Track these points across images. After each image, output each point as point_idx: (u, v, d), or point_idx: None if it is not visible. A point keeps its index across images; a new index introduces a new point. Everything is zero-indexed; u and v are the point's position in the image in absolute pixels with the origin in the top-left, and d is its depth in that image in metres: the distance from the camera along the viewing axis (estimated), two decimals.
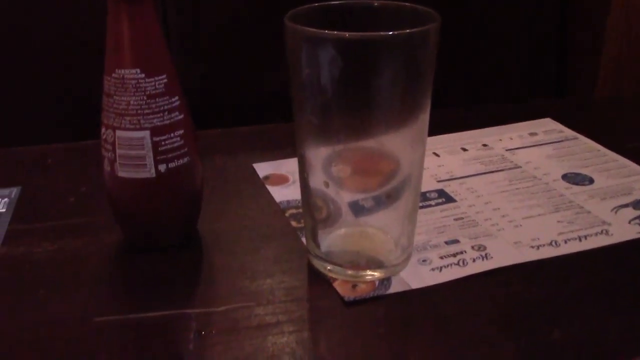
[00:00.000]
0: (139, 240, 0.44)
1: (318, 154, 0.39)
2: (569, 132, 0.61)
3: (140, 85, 0.39)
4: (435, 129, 0.61)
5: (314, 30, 0.35)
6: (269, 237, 0.45)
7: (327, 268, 0.41)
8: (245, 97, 0.75)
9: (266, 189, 0.51)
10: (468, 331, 0.36)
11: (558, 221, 0.46)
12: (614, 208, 0.48)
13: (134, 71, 0.39)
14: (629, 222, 0.46)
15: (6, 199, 0.50)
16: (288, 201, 0.49)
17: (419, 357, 0.35)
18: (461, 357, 0.35)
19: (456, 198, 0.49)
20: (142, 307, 0.38)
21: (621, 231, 0.45)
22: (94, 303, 0.39)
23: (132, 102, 0.39)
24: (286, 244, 0.44)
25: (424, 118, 0.39)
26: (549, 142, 0.59)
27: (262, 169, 0.54)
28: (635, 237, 0.44)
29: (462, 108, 0.70)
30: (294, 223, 0.46)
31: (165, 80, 0.40)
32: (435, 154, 0.57)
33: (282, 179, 0.52)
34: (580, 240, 0.44)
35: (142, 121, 0.40)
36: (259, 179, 0.52)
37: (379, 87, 0.36)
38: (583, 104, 0.76)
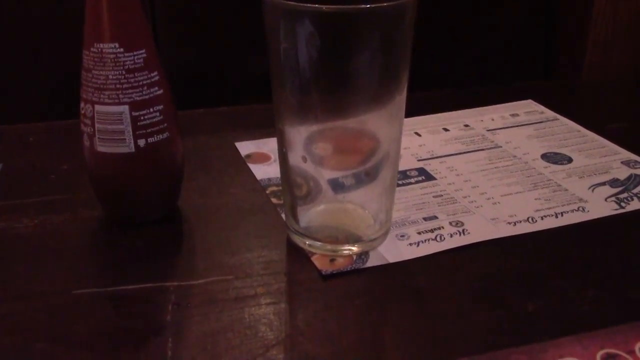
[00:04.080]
0: (119, 215, 0.44)
1: (296, 130, 0.39)
2: (549, 113, 0.61)
3: (119, 59, 0.39)
4: (419, 109, 0.62)
5: (291, 3, 0.35)
6: (249, 213, 0.45)
7: (306, 243, 0.41)
8: (232, 80, 0.75)
9: (247, 167, 0.51)
10: (444, 303, 0.37)
11: (535, 198, 0.47)
12: (591, 186, 0.48)
13: (112, 45, 0.39)
14: (605, 200, 0.46)
15: None
16: (269, 179, 0.49)
17: (395, 329, 0.35)
18: (436, 328, 0.35)
19: (436, 176, 0.50)
20: (121, 280, 0.38)
21: (597, 208, 0.45)
22: (73, 276, 0.39)
23: (110, 77, 0.39)
24: (266, 220, 0.44)
25: (402, 95, 0.39)
26: (530, 122, 0.59)
27: (244, 147, 0.54)
28: (611, 213, 0.45)
29: (446, 89, 0.70)
30: (274, 200, 0.46)
31: (145, 55, 0.40)
32: (417, 133, 0.57)
33: (263, 157, 0.52)
34: (556, 216, 0.44)
35: (120, 96, 0.40)
36: (240, 157, 0.53)
37: (356, 61, 0.37)
38: (566, 87, 0.76)
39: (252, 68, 0.70)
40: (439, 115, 0.61)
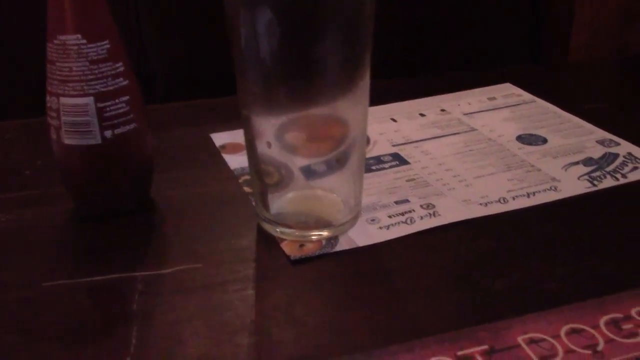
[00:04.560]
0: (90, 207, 0.44)
1: (261, 117, 0.39)
2: (527, 96, 0.61)
3: (82, 51, 0.39)
4: (397, 96, 0.62)
5: None
6: (221, 202, 0.45)
7: (277, 230, 0.41)
8: (217, 74, 0.75)
9: (222, 157, 0.51)
10: (411, 284, 0.37)
11: (508, 179, 0.46)
12: (565, 165, 0.48)
13: (75, 37, 0.39)
14: (578, 179, 0.46)
15: None
16: (242, 168, 0.49)
17: (361, 310, 0.35)
18: (403, 309, 0.35)
19: (410, 161, 0.50)
20: (90, 271, 0.38)
21: (569, 187, 0.45)
22: (44, 269, 0.39)
23: (74, 68, 0.39)
24: (238, 208, 0.44)
25: (365, 80, 0.39)
26: (507, 105, 0.59)
27: (219, 138, 0.54)
28: (583, 192, 0.45)
29: (425, 74, 0.70)
30: (246, 189, 0.46)
31: (108, 46, 0.40)
32: (393, 119, 0.57)
33: (238, 148, 0.52)
34: (528, 196, 0.44)
35: (85, 87, 0.40)
36: (215, 148, 0.53)
37: (316, 47, 0.36)
38: (547, 69, 0.76)
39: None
40: (416, 100, 0.61)
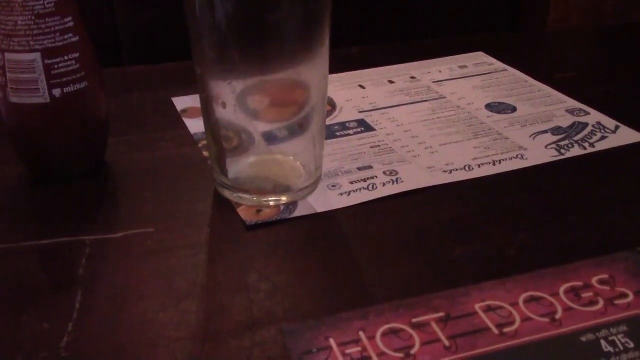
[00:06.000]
0: (40, 170, 0.42)
1: (215, 81, 0.38)
2: (499, 65, 0.60)
3: (28, 3, 0.37)
4: (368, 63, 0.60)
5: None
6: (179, 167, 0.44)
7: (234, 195, 0.40)
8: (188, 43, 0.73)
9: (182, 121, 0.49)
10: (370, 251, 0.36)
11: (475, 147, 0.45)
12: (533, 134, 0.47)
13: None
14: (545, 147, 0.45)
15: None
16: (203, 132, 0.47)
17: (315, 277, 0.34)
18: (358, 275, 0.34)
19: (376, 127, 0.48)
20: (38, 235, 0.37)
21: (536, 155, 0.44)
22: None
23: (19, 22, 0.37)
24: (196, 173, 0.43)
25: (325, 47, 0.37)
26: (478, 74, 0.58)
27: (181, 102, 0.52)
28: (549, 160, 0.44)
29: (399, 43, 0.69)
30: (206, 153, 0.45)
31: None
32: (361, 86, 0.55)
33: (199, 112, 0.50)
34: (494, 164, 0.43)
35: (31, 43, 0.38)
36: (176, 112, 0.51)
37: (274, 13, 0.35)
38: (520, 38, 0.75)
39: None
40: (386, 68, 0.59)
